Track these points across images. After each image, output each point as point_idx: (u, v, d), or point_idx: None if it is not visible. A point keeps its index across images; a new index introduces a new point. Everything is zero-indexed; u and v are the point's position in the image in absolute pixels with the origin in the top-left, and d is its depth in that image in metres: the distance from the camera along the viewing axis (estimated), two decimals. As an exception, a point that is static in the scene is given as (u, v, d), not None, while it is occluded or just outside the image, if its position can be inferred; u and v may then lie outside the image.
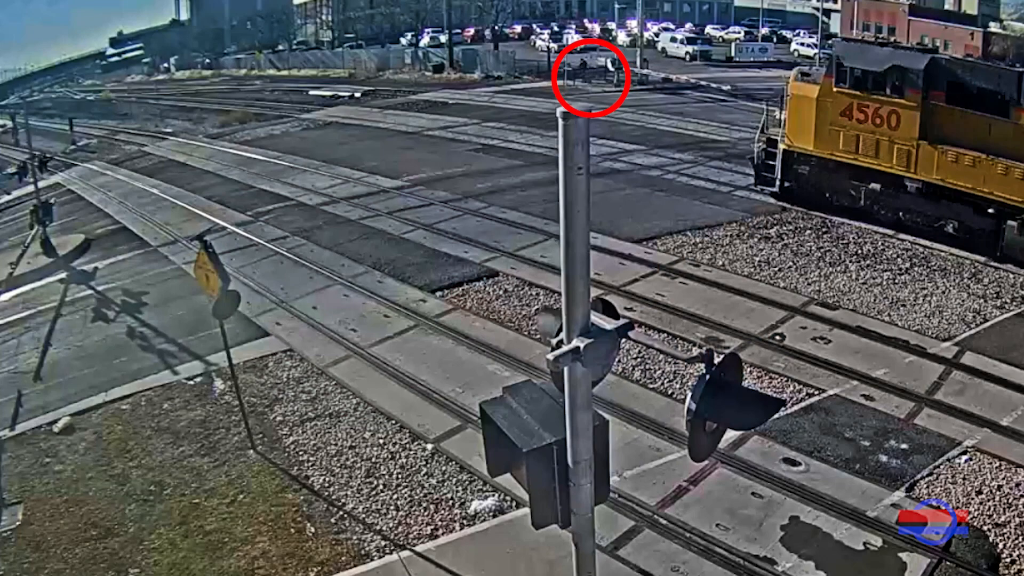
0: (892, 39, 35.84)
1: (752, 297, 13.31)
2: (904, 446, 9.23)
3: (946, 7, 56.07)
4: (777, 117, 18.68)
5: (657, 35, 57.84)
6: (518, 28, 75.13)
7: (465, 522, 8.48)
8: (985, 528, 7.92)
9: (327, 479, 9.39)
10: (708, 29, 67.63)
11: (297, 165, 26.95)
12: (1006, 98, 15.13)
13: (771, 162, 18.79)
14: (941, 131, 15.82)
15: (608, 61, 41.67)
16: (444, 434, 10.01)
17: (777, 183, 18.76)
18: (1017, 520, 7.97)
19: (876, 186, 16.90)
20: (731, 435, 8.65)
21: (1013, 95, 15.16)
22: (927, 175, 16.00)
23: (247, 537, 8.49)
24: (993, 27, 50.64)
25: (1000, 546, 7.69)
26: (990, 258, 15.36)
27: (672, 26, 64.52)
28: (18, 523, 9.12)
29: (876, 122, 16.64)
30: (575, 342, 3.57)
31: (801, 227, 16.67)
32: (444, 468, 9.38)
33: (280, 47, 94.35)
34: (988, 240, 15.49)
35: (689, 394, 4.00)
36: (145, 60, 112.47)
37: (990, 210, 15.27)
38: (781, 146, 18.32)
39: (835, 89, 17.13)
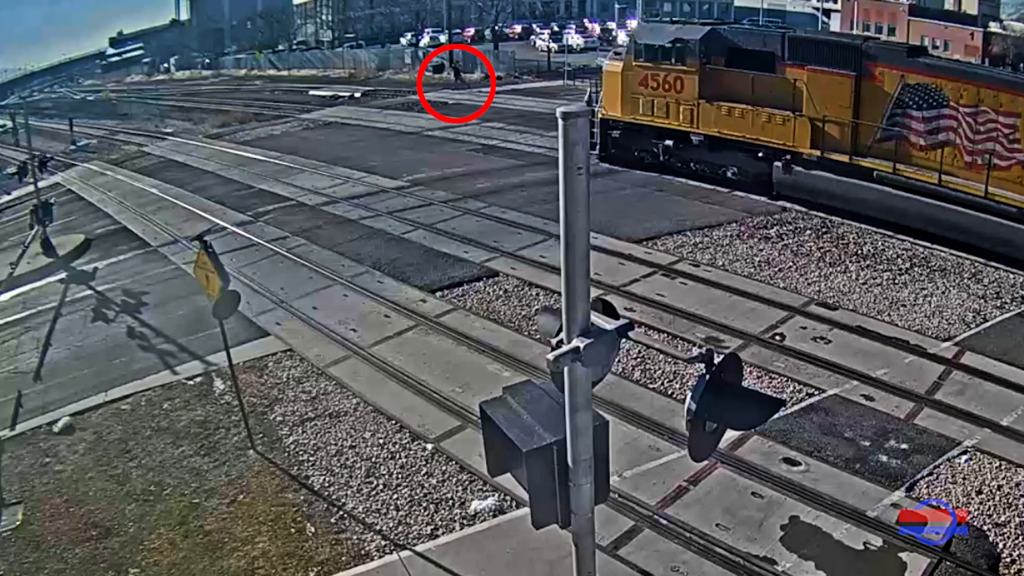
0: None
1: (752, 297, 13.31)
2: (904, 446, 9.24)
3: (946, 7, 56.08)
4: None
5: (657, 35, 57.77)
6: (518, 28, 75.21)
7: (465, 522, 8.48)
8: (985, 528, 7.92)
9: (327, 479, 9.39)
10: (708, 29, 67.51)
11: (297, 165, 26.97)
12: (773, 56, 18.03)
13: (595, 130, 21.81)
14: (718, 90, 18.96)
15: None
16: (444, 434, 10.01)
17: (598, 147, 22.07)
18: (1017, 520, 7.97)
19: (669, 142, 20.23)
20: (731, 435, 8.65)
21: (778, 52, 18.03)
22: (707, 129, 19.14)
23: (247, 537, 8.49)
24: (993, 27, 50.62)
25: (1000, 546, 7.69)
26: (767, 197, 18.37)
27: (672, 26, 64.43)
28: (18, 523, 9.12)
29: (665, 88, 19.93)
30: (575, 342, 3.57)
31: (801, 227, 16.67)
32: (444, 468, 9.38)
33: (280, 47, 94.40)
34: (762, 181, 18.43)
35: (689, 394, 4.01)
36: (145, 60, 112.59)
37: (760, 154, 18.21)
38: (599, 115, 21.67)
39: (634, 63, 20.53)
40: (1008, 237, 14.47)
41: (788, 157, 17.72)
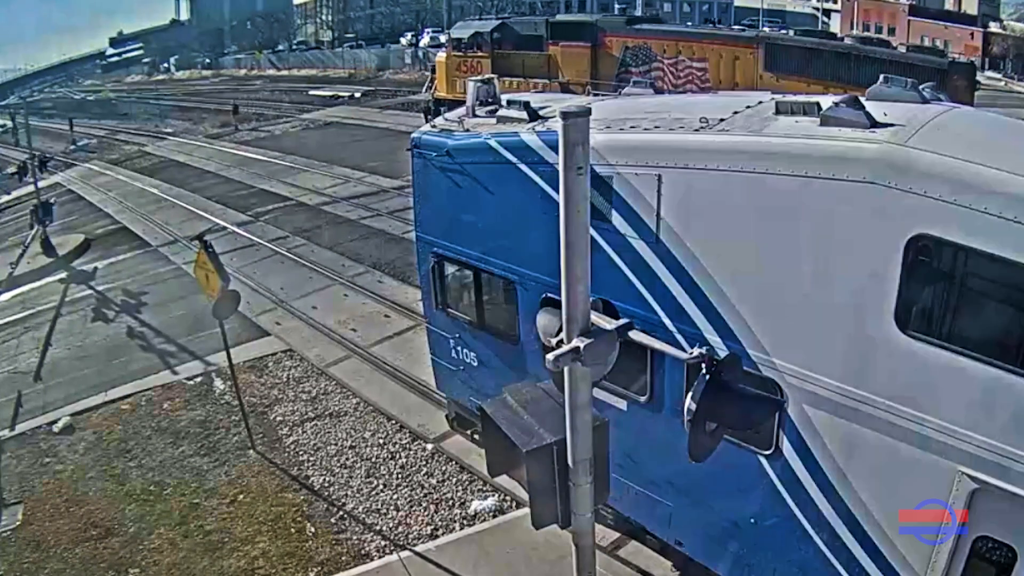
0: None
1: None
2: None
3: (946, 7, 56.05)
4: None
5: (657, 35, 57.86)
6: (518, 28, 75.02)
7: (465, 522, 8.47)
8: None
9: (327, 479, 9.39)
10: (708, 29, 67.56)
11: (297, 165, 26.96)
12: (542, 39, 24.35)
13: (432, 106, 27.72)
14: (505, 69, 24.03)
15: None
16: (444, 434, 9.99)
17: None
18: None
19: None
20: (731, 435, 8.62)
21: (545, 35, 24.26)
22: None
23: (247, 537, 8.48)
24: (993, 27, 50.61)
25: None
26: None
27: (672, 26, 64.43)
28: (18, 523, 9.12)
29: (471, 70, 24.89)
30: (575, 342, 3.56)
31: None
32: (444, 468, 9.38)
33: (280, 47, 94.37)
34: None
35: (689, 394, 3.99)
36: (145, 60, 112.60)
37: None
38: (434, 96, 28.26)
39: (452, 53, 26.90)
40: None
41: None
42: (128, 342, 13.98)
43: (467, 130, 7.57)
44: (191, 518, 8.87)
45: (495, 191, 7.14)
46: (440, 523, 8.47)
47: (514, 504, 8.48)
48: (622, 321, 3.70)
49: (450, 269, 8.12)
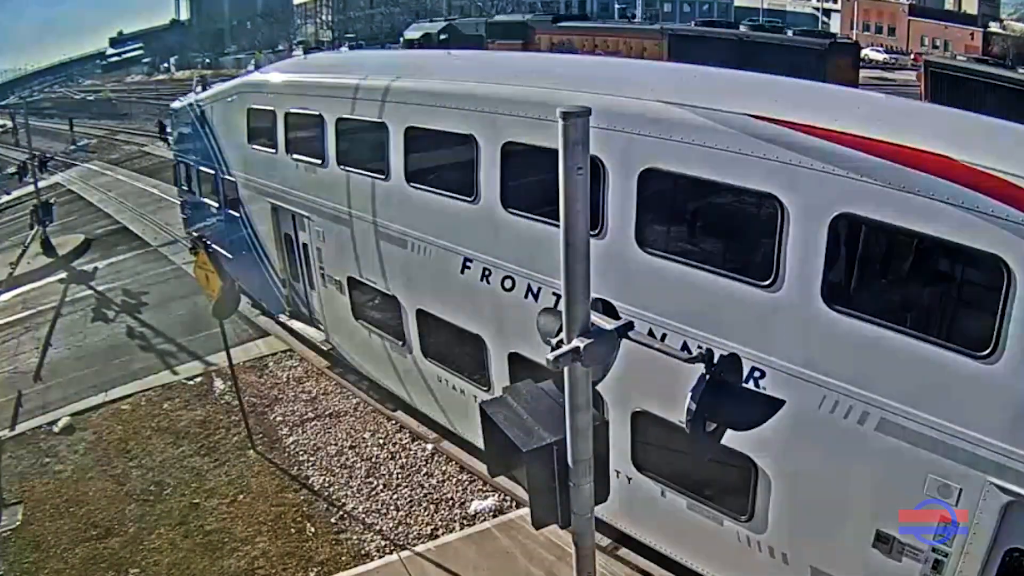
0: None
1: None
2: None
3: (946, 7, 56.08)
4: None
5: (656, 35, 57.95)
6: (518, 28, 75.06)
7: (465, 522, 8.47)
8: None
9: (327, 479, 9.38)
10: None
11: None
12: (482, 37, 27.20)
13: None
14: None
15: None
16: (444, 434, 10.00)
17: None
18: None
19: None
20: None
21: (484, 34, 27.52)
22: None
23: (247, 537, 8.48)
24: (993, 27, 50.63)
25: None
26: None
27: (672, 26, 64.38)
28: (18, 523, 9.12)
29: None
30: (575, 342, 3.56)
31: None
32: (444, 468, 9.37)
33: (280, 47, 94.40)
34: None
35: (689, 394, 3.98)
36: (145, 60, 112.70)
37: None
38: None
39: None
40: None
41: None
42: (128, 342, 13.98)
43: (188, 100, 14.56)
44: (191, 518, 8.87)
45: (187, 125, 14.47)
46: (440, 523, 8.47)
47: (514, 504, 8.48)
48: (622, 321, 3.71)
49: (180, 166, 16.01)
